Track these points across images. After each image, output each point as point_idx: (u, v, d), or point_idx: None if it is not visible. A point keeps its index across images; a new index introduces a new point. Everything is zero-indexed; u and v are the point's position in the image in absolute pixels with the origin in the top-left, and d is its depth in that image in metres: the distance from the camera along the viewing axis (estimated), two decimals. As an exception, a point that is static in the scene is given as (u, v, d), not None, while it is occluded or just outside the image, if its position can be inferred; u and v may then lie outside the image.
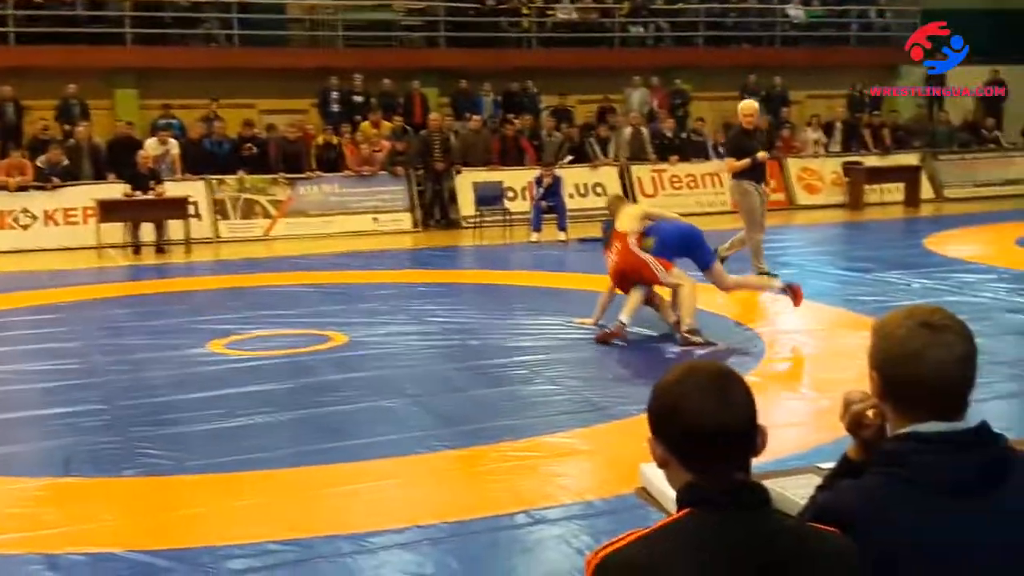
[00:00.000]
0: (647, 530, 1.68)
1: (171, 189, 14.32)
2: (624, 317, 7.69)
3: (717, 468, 1.69)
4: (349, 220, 15.65)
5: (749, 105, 10.57)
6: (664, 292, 8.12)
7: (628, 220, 7.95)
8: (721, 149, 17.96)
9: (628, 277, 7.82)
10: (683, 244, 7.93)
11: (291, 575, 3.88)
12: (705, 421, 1.68)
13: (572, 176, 16.53)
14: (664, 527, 1.68)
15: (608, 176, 17.33)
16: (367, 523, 4.30)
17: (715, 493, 1.67)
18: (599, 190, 17.05)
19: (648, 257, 7.73)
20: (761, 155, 10.11)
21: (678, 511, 1.70)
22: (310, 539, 4.17)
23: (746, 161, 10.06)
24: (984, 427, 1.78)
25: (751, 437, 1.72)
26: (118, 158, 14.86)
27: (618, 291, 8.01)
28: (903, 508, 1.72)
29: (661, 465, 1.77)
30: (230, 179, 15.29)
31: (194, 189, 14.87)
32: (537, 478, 4.84)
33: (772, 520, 1.69)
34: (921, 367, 1.74)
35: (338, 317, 8.75)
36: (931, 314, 1.79)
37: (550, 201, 14.59)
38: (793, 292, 8.12)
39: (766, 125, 10.43)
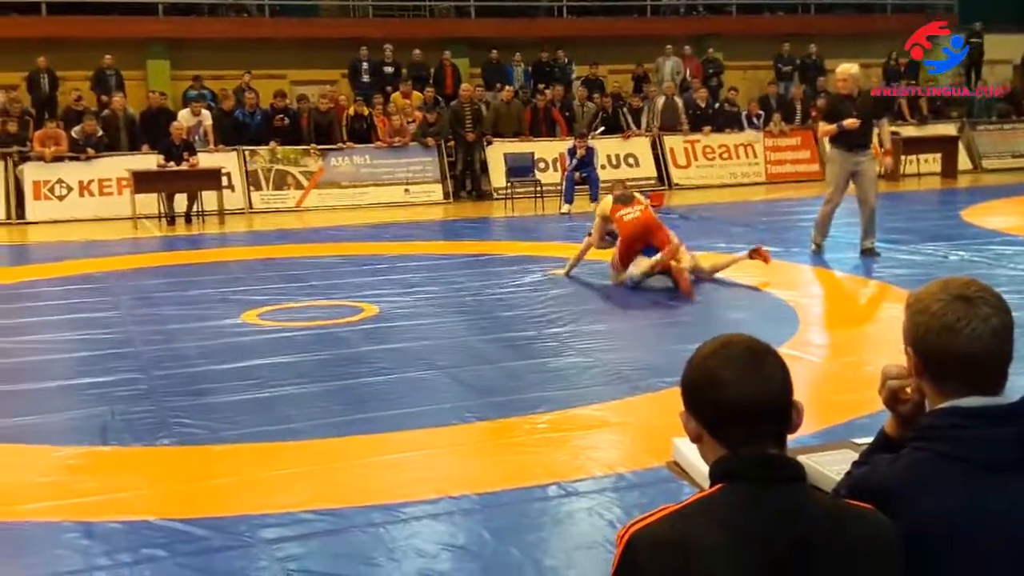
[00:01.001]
0: (679, 505, 1.67)
1: (204, 160, 14.40)
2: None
3: (751, 443, 1.67)
4: (380, 191, 15.67)
5: (844, 69, 10.02)
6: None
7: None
8: (756, 119, 17.81)
9: (649, 231, 8.62)
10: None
11: (324, 544, 3.91)
12: (739, 395, 1.66)
13: (604, 147, 16.45)
14: (696, 502, 1.67)
15: (641, 147, 17.22)
16: (399, 494, 4.32)
17: (748, 468, 1.65)
18: (631, 161, 16.96)
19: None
20: (847, 123, 9.60)
21: (711, 486, 1.69)
22: (343, 509, 4.19)
23: (831, 127, 9.75)
24: (1025, 402, 1.74)
25: (786, 412, 1.70)
26: (151, 129, 14.95)
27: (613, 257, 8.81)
28: (941, 484, 1.69)
29: (694, 439, 1.76)
30: (262, 150, 15.35)
31: (227, 160, 14.95)
32: (568, 450, 4.83)
33: (806, 495, 1.67)
34: (957, 340, 1.71)
35: (369, 288, 8.79)
36: (966, 286, 1.75)
37: (583, 172, 14.52)
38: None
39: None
